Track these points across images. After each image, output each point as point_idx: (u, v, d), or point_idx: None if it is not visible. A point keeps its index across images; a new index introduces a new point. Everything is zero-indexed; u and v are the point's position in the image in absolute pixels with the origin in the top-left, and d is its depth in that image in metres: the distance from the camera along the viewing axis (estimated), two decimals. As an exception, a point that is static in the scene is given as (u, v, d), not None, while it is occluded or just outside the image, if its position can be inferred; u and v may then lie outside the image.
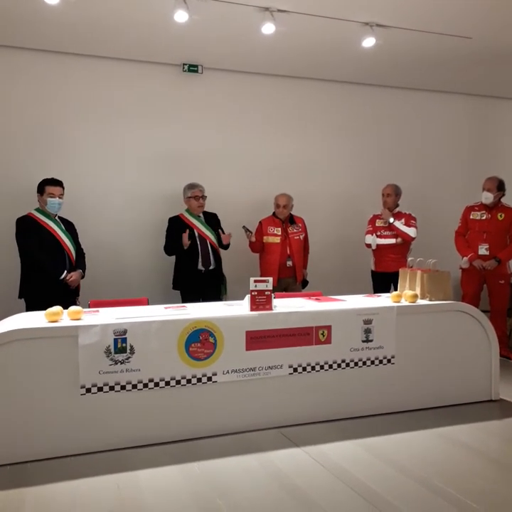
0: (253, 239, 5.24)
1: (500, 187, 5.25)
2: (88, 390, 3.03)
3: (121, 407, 3.10)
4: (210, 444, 3.16)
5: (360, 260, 5.91)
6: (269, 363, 3.39)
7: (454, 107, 6.71)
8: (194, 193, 5.03)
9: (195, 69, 5.60)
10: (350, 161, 6.30)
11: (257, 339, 3.37)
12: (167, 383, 3.18)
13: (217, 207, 5.25)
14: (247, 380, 3.34)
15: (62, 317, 3.17)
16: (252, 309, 3.44)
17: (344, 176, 6.28)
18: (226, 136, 5.77)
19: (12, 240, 4.38)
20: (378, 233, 5.45)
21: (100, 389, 3.06)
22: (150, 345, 3.14)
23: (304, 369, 3.47)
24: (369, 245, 5.51)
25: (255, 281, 3.47)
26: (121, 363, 3.09)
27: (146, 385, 3.14)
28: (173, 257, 5.09)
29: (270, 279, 3.53)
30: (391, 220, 5.37)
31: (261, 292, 3.46)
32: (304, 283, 5.44)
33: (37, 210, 4.43)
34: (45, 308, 3.17)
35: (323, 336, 3.51)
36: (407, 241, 5.38)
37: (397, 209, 5.49)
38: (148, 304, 3.99)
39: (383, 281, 5.41)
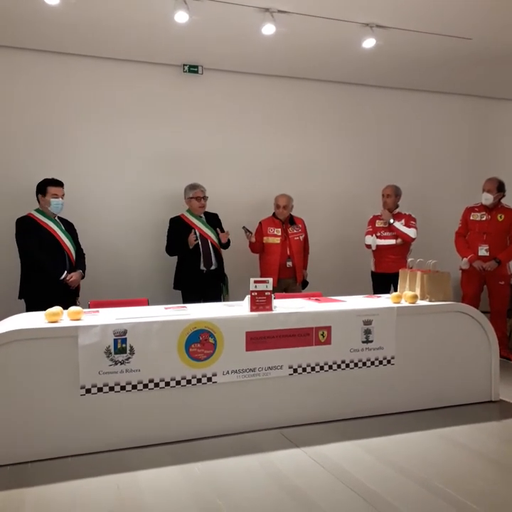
0: (253, 239, 5.24)
1: (500, 188, 5.25)
2: (88, 391, 3.04)
3: (121, 407, 3.10)
4: (210, 445, 3.16)
5: (360, 261, 5.91)
6: (269, 364, 3.39)
7: (453, 108, 6.72)
8: (196, 193, 5.03)
9: (196, 70, 5.61)
10: (350, 162, 6.30)
11: (257, 340, 3.37)
12: (167, 384, 3.18)
13: (217, 207, 5.25)
14: (247, 381, 3.34)
15: (62, 317, 3.17)
16: (252, 310, 3.44)
17: (344, 176, 6.28)
18: (226, 136, 5.78)
19: (12, 241, 4.38)
20: (378, 234, 5.45)
21: (100, 389, 3.06)
22: (150, 345, 3.15)
23: (304, 370, 3.47)
24: (369, 246, 5.51)
25: (255, 281, 3.47)
26: (121, 364, 3.09)
27: (146, 386, 3.14)
28: (174, 258, 5.09)
29: (270, 279, 3.53)
30: (391, 220, 5.37)
31: (261, 293, 3.46)
32: (304, 284, 5.44)
33: (37, 210, 4.43)
34: (45, 309, 3.17)
35: (323, 336, 3.52)
36: (407, 242, 5.38)
37: (397, 210, 5.49)
38: (148, 304, 3.99)
39: (383, 282, 5.42)
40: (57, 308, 3.15)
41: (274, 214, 5.38)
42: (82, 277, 4.50)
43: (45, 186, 4.39)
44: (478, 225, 5.32)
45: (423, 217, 5.73)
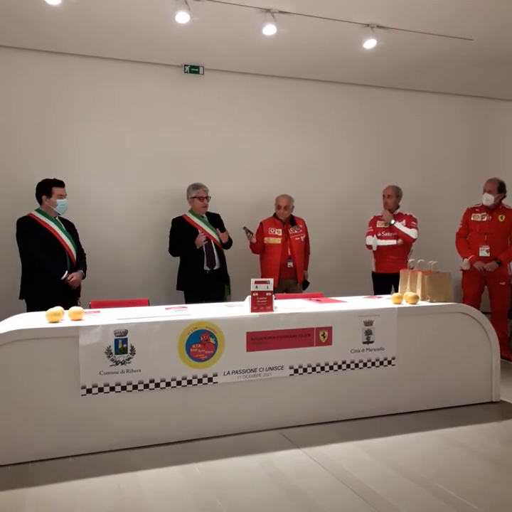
0: (254, 240, 5.24)
1: (500, 189, 5.25)
2: (89, 391, 3.04)
3: (121, 407, 3.10)
4: (211, 445, 3.16)
5: (361, 261, 5.91)
6: (270, 364, 3.39)
7: (454, 109, 6.72)
8: (199, 193, 5.04)
9: (197, 70, 5.61)
10: (351, 162, 6.30)
11: (258, 340, 3.37)
12: (168, 384, 3.18)
13: (218, 207, 5.25)
14: (247, 381, 3.34)
15: (63, 318, 3.18)
16: (252, 310, 3.44)
17: (344, 176, 6.28)
18: (227, 136, 5.78)
19: (13, 241, 4.39)
20: (379, 234, 5.45)
21: (101, 389, 3.06)
22: (151, 345, 3.15)
23: (305, 370, 3.47)
24: (370, 246, 5.51)
25: (256, 282, 3.47)
26: (122, 364, 3.09)
27: (146, 386, 3.14)
28: (176, 258, 5.10)
29: (271, 280, 3.53)
30: (392, 221, 5.37)
31: (262, 293, 3.46)
32: (305, 284, 5.44)
33: (38, 210, 4.44)
34: (46, 309, 3.17)
35: (324, 337, 3.52)
36: (407, 242, 5.38)
37: (398, 210, 5.49)
38: (148, 304, 3.99)
39: (384, 283, 5.41)
40: (58, 309, 3.16)
41: (274, 214, 5.38)
42: (83, 277, 4.51)
43: (50, 187, 4.39)
44: (479, 225, 5.32)
45: (424, 217, 5.72)
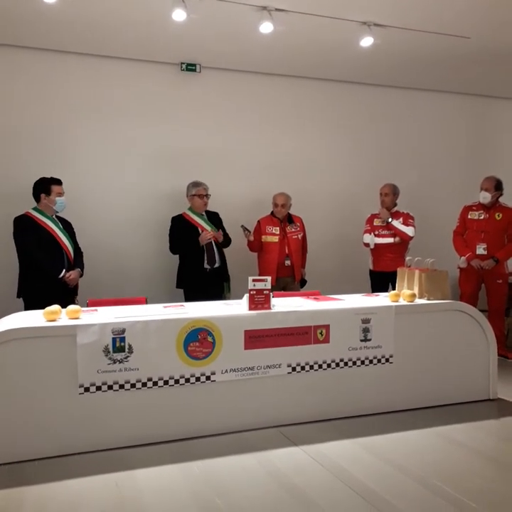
0: (251, 238, 5.24)
1: (498, 187, 5.25)
2: (86, 389, 3.03)
3: (119, 406, 3.10)
4: (209, 443, 3.16)
5: (359, 259, 5.92)
6: (268, 362, 3.39)
7: (451, 107, 6.73)
8: (199, 191, 5.04)
9: (193, 68, 5.60)
10: (348, 160, 6.31)
11: (256, 338, 3.37)
12: (166, 382, 3.18)
13: (216, 206, 5.24)
14: (245, 379, 3.35)
15: (61, 316, 3.17)
16: (250, 308, 3.44)
17: (342, 175, 6.28)
18: (224, 134, 5.77)
19: (10, 239, 4.38)
20: (376, 232, 5.45)
21: (99, 388, 3.05)
22: (148, 344, 3.14)
23: (303, 368, 3.47)
24: (367, 244, 5.52)
25: (254, 280, 3.47)
26: (120, 362, 3.09)
27: (144, 384, 3.14)
28: (176, 256, 5.09)
29: (269, 278, 3.53)
30: (389, 219, 5.38)
31: (259, 291, 3.46)
32: (303, 282, 5.45)
33: (34, 209, 4.42)
34: (43, 308, 3.16)
35: (322, 335, 3.52)
36: (405, 240, 5.39)
37: (395, 208, 5.50)
38: (146, 303, 3.98)
39: (381, 281, 5.42)
40: (55, 307, 3.15)
41: (272, 213, 5.38)
42: (81, 276, 4.50)
43: (49, 185, 4.38)
44: (476, 223, 5.33)
45: (421, 215, 5.73)
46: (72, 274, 4.34)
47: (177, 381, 3.20)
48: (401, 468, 2.86)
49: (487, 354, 3.94)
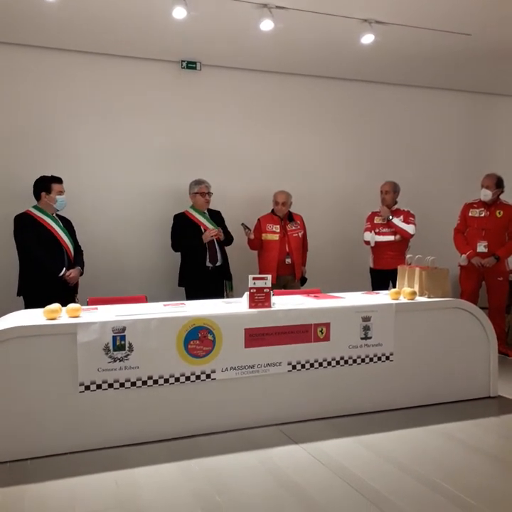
0: (252, 236, 5.24)
1: (498, 184, 5.24)
2: (87, 388, 3.03)
3: (120, 404, 3.10)
4: (209, 441, 3.16)
5: (359, 257, 5.92)
6: (268, 361, 3.39)
7: (452, 104, 6.72)
8: (200, 189, 5.04)
9: (194, 66, 5.60)
10: (349, 158, 6.30)
11: (256, 336, 3.37)
12: (166, 381, 3.18)
13: (216, 204, 5.24)
14: (245, 378, 3.35)
15: (61, 314, 3.17)
16: (250, 307, 3.44)
17: (342, 173, 6.28)
18: (224, 132, 5.77)
19: (10, 238, 4.38)
20: (377, 230, 5.45)
21: (99, 386, 3.06)
22: (149, 342, 3.14)
23: (303, 366, 3.47)
24: (368, 242, 5.51)
25: (254, 278, 3.47)
26: (120, 361, 3.09)
27: (144, 383, 3.14)
28: (177, 255, 5.09)
29: (269, 276, 3.53)
30: (389, 217, 5.37)
31: (260, 289, 3.46)
32: (303, 280, 5.44)
33: (35, 207, 4.43)
34: (43, 306, 3.16)
35: (322, 333, 3.52)
36: (405, 238, 5.38)
37: (396, 206, 5.49)
38: (146, 301, 3.99)
39: (382, 279, 5.41)
40: (55, 306, 3.15)
41: (272, 211, 5.38)
42: (81, 274, 4.50)
43: (49, 183, 4.38)
44: (476, 221, 5.32)
45: (421, 213, 5.72)
46: (73, 273, 4.35)
47: (177, 379, 3.21)
48: (401, 465, 2.86)
49: (487, 352, 3.93)
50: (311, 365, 3.49)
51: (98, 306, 3.56)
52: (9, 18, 4.47)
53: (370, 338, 3.63)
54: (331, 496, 2.55)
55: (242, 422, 3.34)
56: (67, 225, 4.55)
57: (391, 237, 5.39)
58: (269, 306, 3.47)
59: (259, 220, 5.37)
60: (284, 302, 3.67)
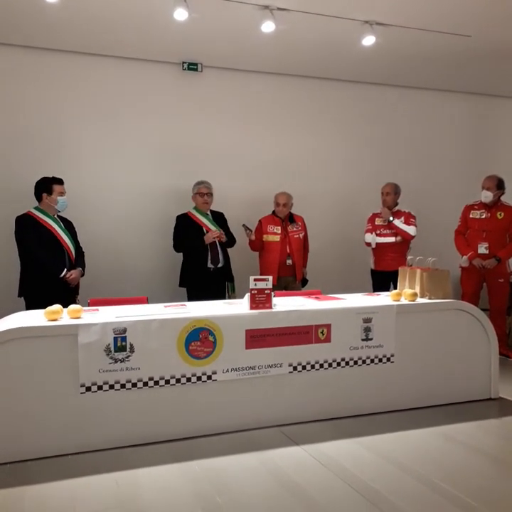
0: (253, 237, 5.24)
1: (499, 186, 5.25)
2: (88, 389, 3.04)
3: (120, 405, 3.10)
4: (210, 443, 3.16)
5: (360, 259, 5.92)
6: (269, 362, 3.39)
7: (453, 106, 6.72)
8: (200, 189, 5.05)
9: (195, 67, 5.61)
10: (350, 160, 6.30)
11: (257, 338, 3.37)
12: (167, 382, 3.19)
13: (217, 205, 5.24)
14: (246, 379, 3.35)
15: (62, 316, 3.17)
16: (251, 308, 3.44)
17: (343, 174, 6.28)
18: (226, 134, 5.78)
19: (11, 239, 4.38)
20: (378, 232, 5.45)
21: (100, 387, 3.06)
22: (150, 343, 3.15)
23: (304, 367, 3.47)
24: (369, 244, 5.51)
25: (255, 279, 3.47)
26: (121, 362, 3.09)
27: (145, 384, 3.14)
28: (179, 256, 5.10)
29: (270, 277, 3.53)
30: (390, 218, 5.37)
31: (261, 291, 3.46)
32: (304, 282, 5.44)
33: (36, 208, 4.43)
34: (44, 307, 3.16)
35: (323, 334, 3.52)
36: (406, 239, 5.38)
37: (397, 207, 5.49)
38: (147, 302, 3.99)
39: (383, 280, 5.42)
40: (56, 307, 3.15)
41: (273, 212, 5.38)
42: (82, 275, 4.51)
43: (51, 184, 4.39)
44: (477, 222, 5.32)
45: (422, 215, 5.73)
46: (74, 274, 4.35)
47: (178, 380, 3.21)
48: (402, 467, 2.86)
49: (488, 353, 3.93)
50: (312, 367, 3.49)
51: (99, 307, 3.56)
52: (10, 19, 4.48)
53: (371, 339, 3.63)
54: (331, 496, 2.55)
55: (243, 423, 3.34)
56: (68, 226, 4.55)
57: (392, 239, 5.39)
58: (270, 308, 3.47)
59: (260, 221, 5.38)
60: (284, 303, 3.67)
